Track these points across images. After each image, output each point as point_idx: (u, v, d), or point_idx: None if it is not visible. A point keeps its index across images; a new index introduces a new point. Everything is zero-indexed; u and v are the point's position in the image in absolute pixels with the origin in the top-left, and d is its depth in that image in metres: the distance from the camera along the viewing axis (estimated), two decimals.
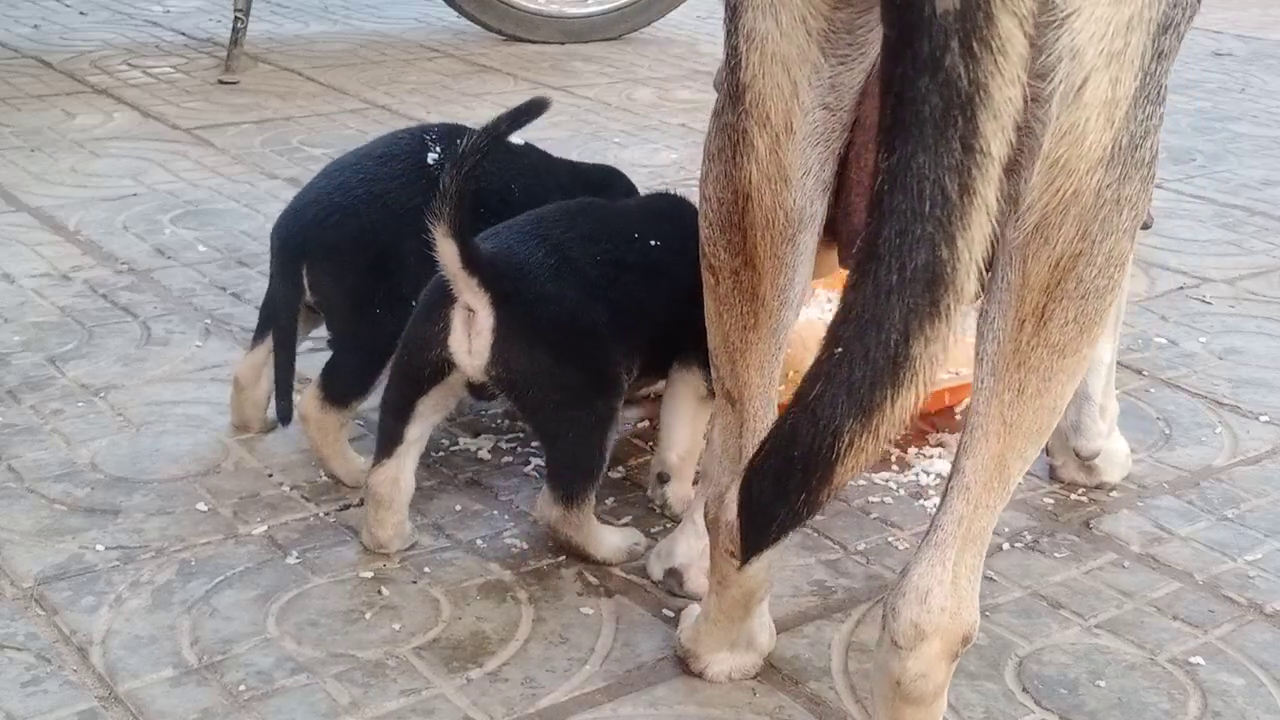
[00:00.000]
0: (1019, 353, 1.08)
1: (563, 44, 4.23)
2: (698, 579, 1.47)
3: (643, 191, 1.91)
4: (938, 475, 1.74)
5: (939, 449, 1.81)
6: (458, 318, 1.47)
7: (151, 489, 1.68)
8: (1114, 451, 1.74)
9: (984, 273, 0.96)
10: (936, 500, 1.52)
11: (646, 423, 1.86)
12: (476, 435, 1.82)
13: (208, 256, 2.41)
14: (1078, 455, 1.72)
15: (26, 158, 2.96)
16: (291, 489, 1.69)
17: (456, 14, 4.23)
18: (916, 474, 1.77)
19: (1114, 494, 1.74)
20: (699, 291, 1.24)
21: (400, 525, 1.55)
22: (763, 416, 1.23)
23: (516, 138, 1.87)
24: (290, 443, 1.77)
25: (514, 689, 1.34)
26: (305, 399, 1.70)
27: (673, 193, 1.75)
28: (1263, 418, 1.95)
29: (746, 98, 1.09)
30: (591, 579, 1.53)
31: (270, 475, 1.72)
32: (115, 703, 1.30)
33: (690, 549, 1.49)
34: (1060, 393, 1.11)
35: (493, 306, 1.46)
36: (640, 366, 1.57)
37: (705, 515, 1.32)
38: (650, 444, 1.79)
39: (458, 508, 1.65)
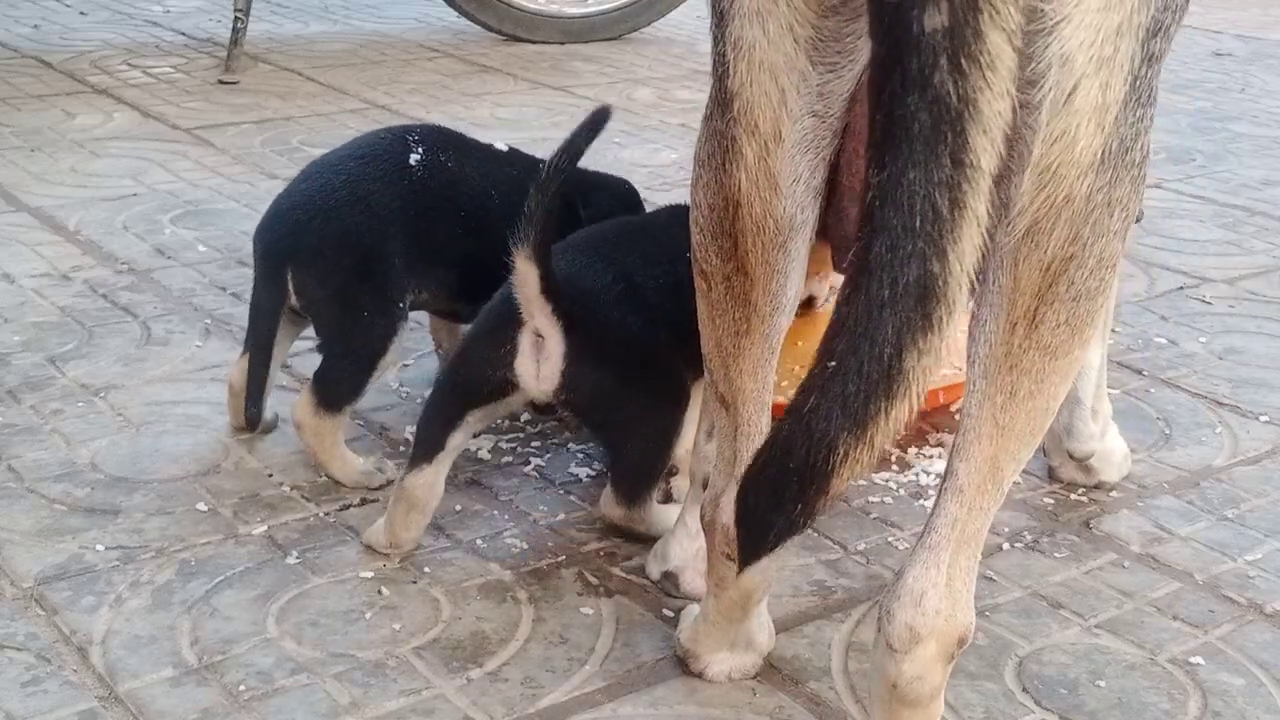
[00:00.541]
0: (1011, 355, 1.08)
1: (563, 44, 4.23)
2: (693, 580, 1.48)
3: (641, 192, 1.90)
4: (937, 475, 1.74)
5: (939, 449, 1.81)
6: (526, 341, 1.47)
7: (151, 489, 1.68)
8: (1111, 451, 1.75)
9: (975, 281, 0.96)
10: None
11: None
12: (476, 435, 1.82)
13: (208, 256, 2.41)
14: (1070, 457, 1.73)
15: (26, 158, 2.96)
16: (291, 489, 1.69)
17: (456, 14, 4.23)
18: (916, 474, 1.77)
19: (1114, 494, 1.74)
20: None
21: (423, 526, 1.56)
22: (756, 421, 1.23)
23: (500, 144, 1.87)
24: (290, 443, 1.77)
25: (514, 689, 1.34)
26: (298, 406, 1.70)
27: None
28: (1263, 418, 1.95)
29: (735, 105, 1.09)
30: (591, 579, 1.53)
31: (270, 475, 1.72)
32: (115, 703, 1.31)
33: (683, 551, 1.49)
34: (1053, 394, 1.11)
35: (564, 333, 1.46)
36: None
37: (701, 518, 1.32)
38: None
39: (458, 508, 1.65)
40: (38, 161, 2.93)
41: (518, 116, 3.42)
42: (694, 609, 1.41)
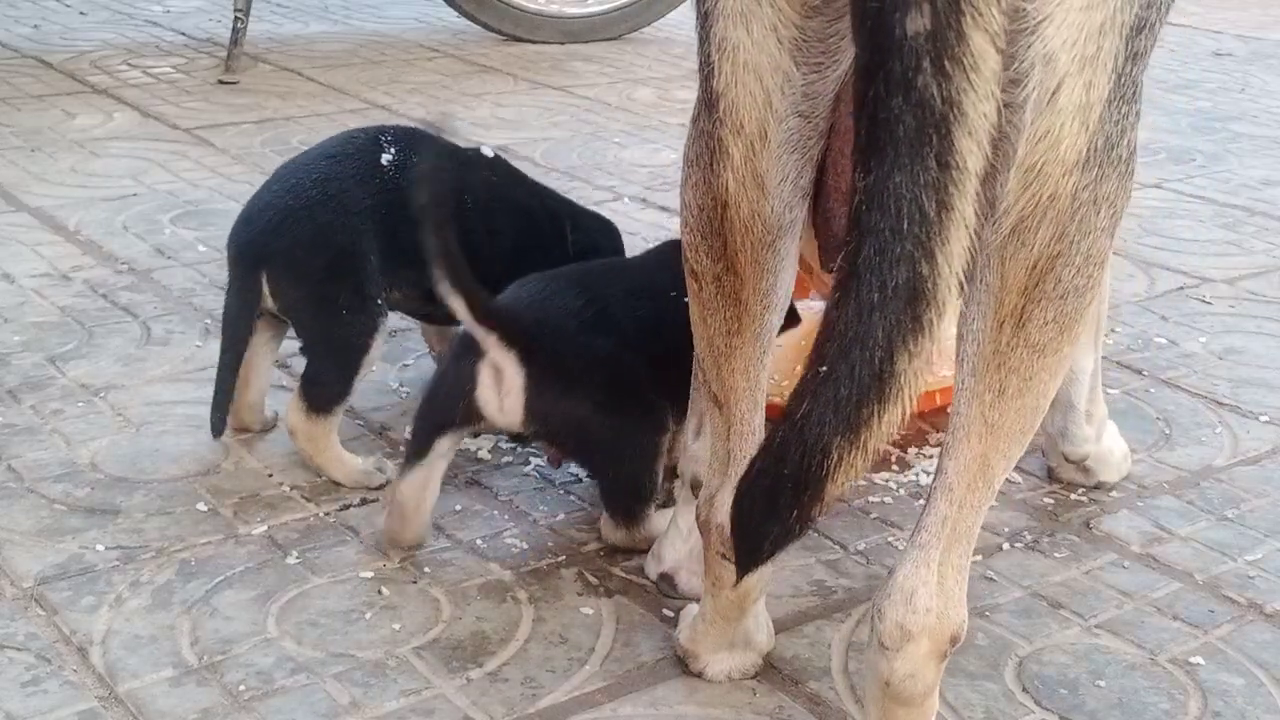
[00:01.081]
0: (999, 354, 1.08)
1: (563, 44, 4.23)
2: (689, 581, 1.48)
3: (641, 192, 1.91)
4: None
5: (939, 449, 1.81)
6: (485, 374, 1.46)
7: (151, 489, 1.68)
8: (1109, 452, 1.75)
9: (963, 280, 0.97)
10: None
11: None
12: (476, 435, 1.82)
13: (208, 256, 2.41)
14: (1067, 459, 1.73)
15: (26, 158, 2.96)
16: (291, 489, 1.69)
17: (456, 14, 4.23)
18: (916, 474, 1.77)
19: (1114, 494, 1.74)
20: None
21: (423, 526, 1.56)
22: (749, 420, 1.23)
23: (487, 149, 1.88)
24: (290, 442, 1.77)
25: (514, 689, 1.34)
26: (289, 412, 1.70)
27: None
28: (1263, 418, 1.95)
29: (720, 106, 1.10)
30: (591, 579, 1.53)
31: (270, 475, 1.72)
32: (115, 703, 1.31)
33: (677, 551, 1.49)
34: (1042, 392, 1.11)
35: (522, 364, 1.45)
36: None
37: (697, 517, 1.32)
38: None
39: (458, 508, 1.65)
40: (38, 161, 2.93)
41: (518, 116, 3.42)
42: (693, 609, 1.41)
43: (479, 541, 1.60)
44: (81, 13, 4.56)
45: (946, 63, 0.90)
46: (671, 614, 1.46)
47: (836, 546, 1.61)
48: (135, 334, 2.11)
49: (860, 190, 0.93)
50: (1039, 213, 1.03)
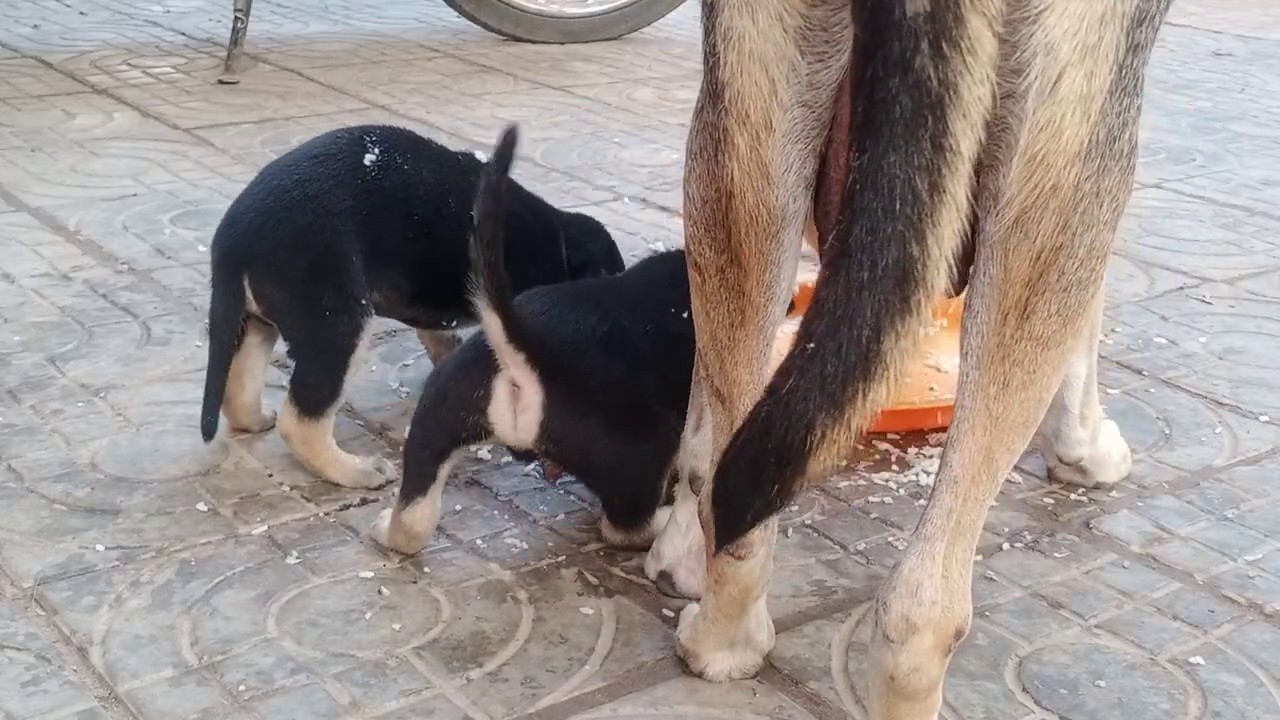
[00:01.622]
0: (1003, 346, 1.09)
1: (563, 44, 4.23)
2: (687, 579, 1.48)
3: (641, 192, 1.91)
4: None
5: (939, 449, 1.81)
6: (501, 390, 1.45)
7: (151, 489, 1.68)
8: (1107, 453, 1.75)
9: (955, 269, 0.97)
10: None
11: None
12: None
13: (207, 256, 2.39)
14: (1062, 461, 1.73)
15: (26, 158, 2.96)
16: (291, 489, 1.69)
17: (456, 14, 4.23)
18: (916, 474, 1.77)
19: (1114, 494, 1.74)
20: None
21: (427, 538, 1.55)
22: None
23: (480, 154, 1.88)
24: None
25: (514, 689, 1.34)
26: (282, 417, 1.69)
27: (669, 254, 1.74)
28: (1263, 418, 1.95)
29: (725, 95, 1.10)
30: (591, 579, 1.53)
31: (270, 475, 1.72)
32: (115, 703, 1.31)
33: (675, 549, 1.49)
34: (1046, 385, 1.11)
35: (542, 383, 1.45)
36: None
37: (699, 514, 1.32)
38: None
39: (458, 508, 1.65)
40: (38, 161, 2.93)
41: (518, 116, 3.42)
42: (693, 608, 1.41)
43: (479, 541, 1.60)
44: (81, 13, 4.56)
45: (944, 45, 0.91)
46: (671, 614, 1.46)
47: (836, 546, 1.61)
48: (135, 334, 2.11)
49: (854, 170, 0.93)
50: (1041, 203, 1.03)
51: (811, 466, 0.97)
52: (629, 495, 1.53)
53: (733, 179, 1.12)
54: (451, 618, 1.45)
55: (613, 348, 1.50)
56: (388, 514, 1.57)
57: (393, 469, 1.70)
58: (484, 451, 1.78)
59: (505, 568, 1.55)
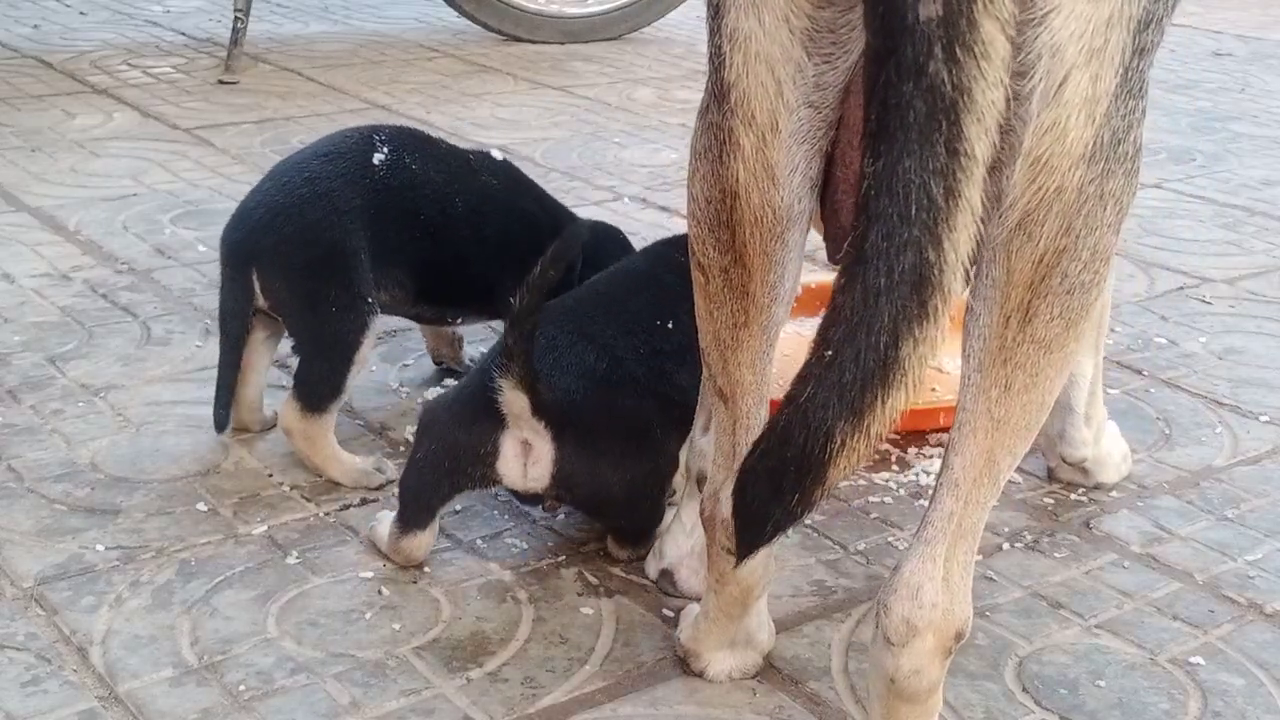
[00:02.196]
0: (1005, 349, 1.08)
1: (563, 44, 4.23)
2: (688, 579, 1.48)
3: (641, 192, 1.91)
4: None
5: (939, 449, 1.81)
6: (510, 445, 1.45)
7: (151, 489, 1.68)
8: (1109, 453, 1.75)
9: (969, 272, 0.97)
10: None
11: None
12: None
13: (208, 256, 2.41)
14: (1065, 461, 1.73)
15: (26, 158, 2.96)
16: (291, 489, 1.69)
17: (456, 14, 4.23)
18: (916, 474, 1.77)
19: (1114, 494, 1.74)
20: None
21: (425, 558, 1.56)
22: (755, 414, 1.23)
23: (496, 153, 1.88)
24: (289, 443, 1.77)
25: (514, 689, 1.34)
26: (284, 413, 1.70)
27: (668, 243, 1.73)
28: (1263, 418, 1.95)
29: (731, 97, 1.10)
30: (591, 579, 1.53)
31: (270, 475, 1.72)
32: (115, 703, 1.31)
33: (678, 548, 1.49)
34: (1048, 388, 1.11)
35: (553, 441, 1.45)
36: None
37: (701, 513, 1.32)
38: None
39: (458, 508, 1.65)
40: (38, 161, 2.93)
41: (518, 116, 3.42)
42: (694, 608, 1.41)
43: (479, 541, 1.60)
44: (81, 13, 4.56)
45: (958, 49, 0.90)
46: (672, 614, 1.46)
47: (836, 546, 1.61)
48: (135, 334, 2.11)
49: (869, 175, 0.93)
50: (1045, 206, 1.03)
51: (832, 475, 0.96)
52: (635, 523, 1.54)
53: (738, 180, 1.12)
54: (451, 618, 1.45)
55: (614, 383, 1.49)
56: (383, 516, 1.57)
57: (393, 469, 1.71)
58: None
59: (505, 568, 1.55)
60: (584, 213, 2.02)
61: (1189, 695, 1.37)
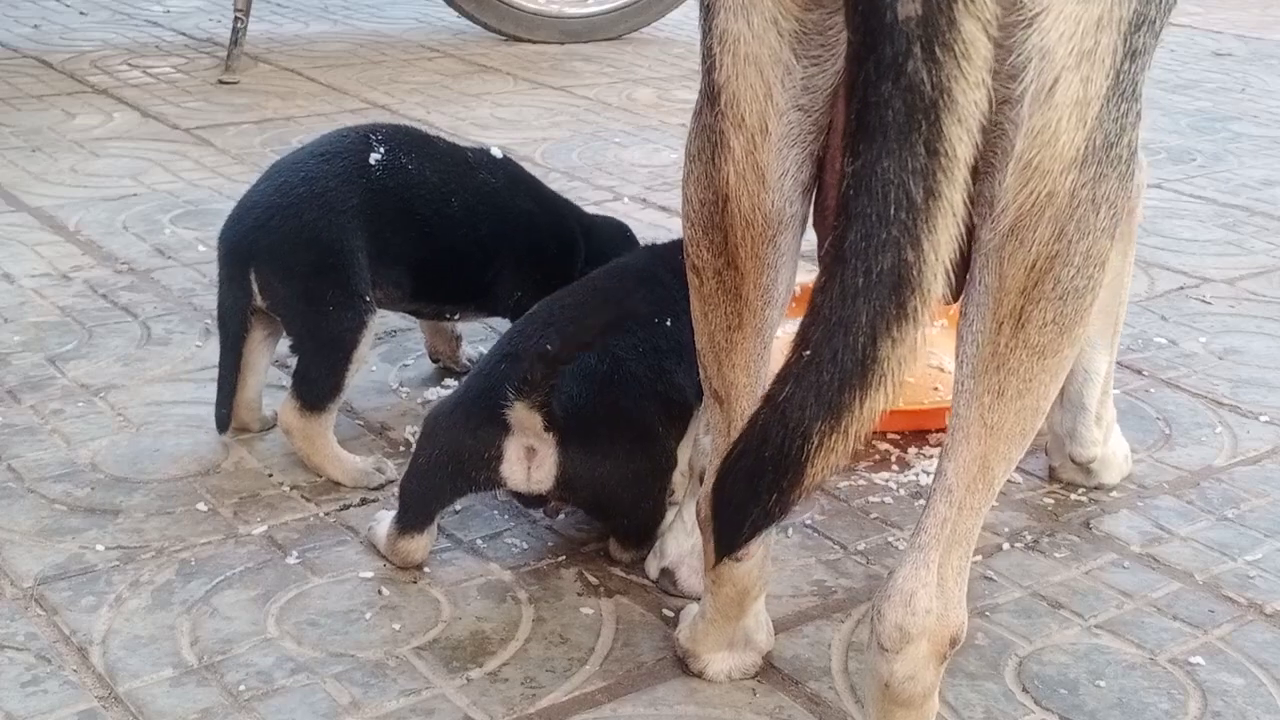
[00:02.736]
0: (998, 355, 1.08)
1: (563, 44, 4.23)
2: (689, 578, 1.48)
3: (641, 192, 1.91)
4: None
5: (940, 449, 1.81)
6: (513, 450, 1.46)
7: (151, 489, 1.68)
8: (1112, 454, 1.75)
9: (952, 275, 0.97)
10: None
11: None
12: None
13: (208, 256, 2.41)
14: (1073, 461, 1.73)
15: (26, 158, 2.96)
16: (291, 489, 1.69)
17: (456, 14, 4.23)
18: (916, 474, 1.77)
19: (1114, 494, 1.74)
20: None
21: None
22: (749, 415, 1.23)
23: (496, 150, 1.88)
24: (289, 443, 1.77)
25: (514, 689, 1.34)
26: (283, 411, 1.70)
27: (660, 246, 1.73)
28: (1263, 418, 1.95)
29: (722, 99, 1.10)
30: (591, 579, 1.53)
31: (270, 475, 1.72)
32: (115, 703, 1.31)
33: (679, 547, 1.49)
34: (1042, 394, 1.10)
35: (558, 445, 1.45)
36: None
37: (697, 514, 1.32)
38: None
39: (458, 508, 1.65)
40: (38, 161, 2.93)
41: (518, 116, 3.42)
42: (693, 608, 1.41)
43: (479, 541, 1.60)
44: (81, 13, 4.56)
45: (937, 49, 0.90)
46: (671, 614, 1.46)
47: (836, 546, 1.61)
48: (135, 334, 2.11)
49: (848, 175, 0.93)
50: (1037, 211, 1.02)
51: (809, 475, 0.96)
52: (637, 521, 1.54)
53: (729, 182, 1.12)
54: (451, 618, 1.45)
55: (616, 383, 1.49)
56: (382, 517, 1.57)
57: (393, 469, 1.71)
58: None
59: (505, 568, 1.55)
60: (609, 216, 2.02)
61: (1189, 695, 1.37)
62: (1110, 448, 1.74)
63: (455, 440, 1.48)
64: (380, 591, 1.49)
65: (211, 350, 2.04)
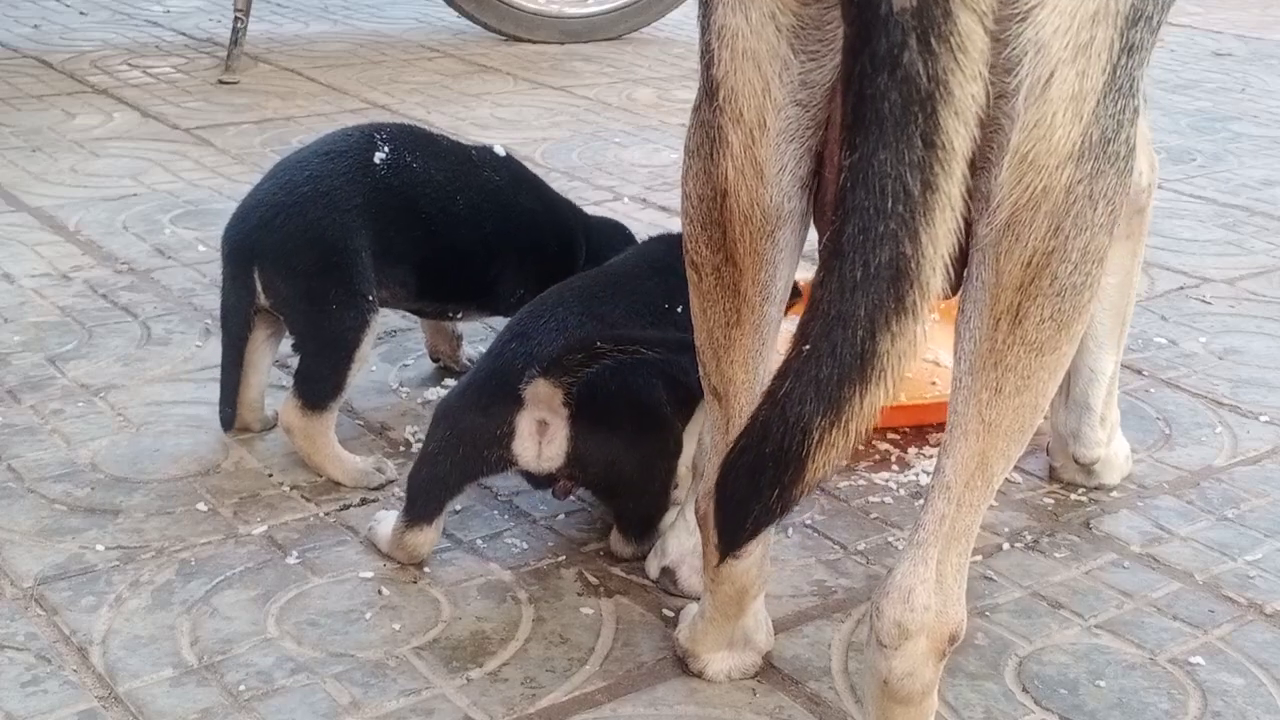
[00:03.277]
0: (995, 351, 1.08)
1: (563, 44, 4.23)
2: (689, 577, 1.48)
3: (641, 192, 1.91)
4: None
5: (939, 449, 1.81)
6: (525, 426, 1.46)
7: (151, 489, 1.68)
8: (1114, 455, 1.74)
9: (951, 270, 0.96)
10: None
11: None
12: None
13: (208, 256, 2.41)
14: (1076, 461, 1.73)
15: (26, 158, 2.96)
16: (291, 489, 1.69)
17: (456, 14, 4.23)
18: (916, 474, 1.77)
19: (1114, 494, 1.74)
20: None
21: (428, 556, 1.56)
22: (748, 412, 1.23)
23: (499, 149, 1.88)
24: (290, 442, 1.77)
25: (514, 689, 1.34)
26: (285, 410, 1.70)
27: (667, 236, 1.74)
28: (1263, 418, 1.95)
29: (720, 94, 1.10)
30: (591, 579, 1.53)
31: (270, 475, 1.72)
32: (115, 703, 1.31)
33: (681, 546, 1.49)
34: (1041, 391, 1.10)
35: (569, 420, 1.45)
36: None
37: (696, 511, 1.32)
38: None
39: (458, 508, 1.65)
40: (38, 161, 2.93)
41: (518, 116, 3.42)
42: (693, 608, 1.41)
43: (479, 541, 1.60)
44: (81, 13, 4.56)
45: (933, 40, 0.90)
46: (671, 614, 1.46)
47: (836, 546, 1.61)
48: (135, 334, 2.11)
49: (846, 169, 0.93)
50: (1033, 206, 1.02)
51: (810, 471, 0.96)
52: (645, 507, 1.54)
53: (727, 177, 1.12)
54: (451, 618, 1.45)
55: (627, 364, 1.50)
56: (383, 517, 1.57)
57: (393, 469, 1.71)
58: None
59: (505, 568, 1.55)
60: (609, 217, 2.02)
61: (1189, 695, 1.37)
62: (1112, 448, 1.74)
63: (466, 420, 1.48)
64: (380, 591, 1.49)
65: (211, 350, 2.04)
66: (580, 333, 1.46)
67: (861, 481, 1.75)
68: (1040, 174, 1.01)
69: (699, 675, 1.36)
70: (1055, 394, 1.68)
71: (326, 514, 1.64)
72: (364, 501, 1.67)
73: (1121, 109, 1.02)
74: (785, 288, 1.19)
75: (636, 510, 1.54)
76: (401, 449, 1.79)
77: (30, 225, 2.55)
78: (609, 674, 1.37)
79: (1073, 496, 1.73)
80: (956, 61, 0.91)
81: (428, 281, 1.78)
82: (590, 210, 2.01)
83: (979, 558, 1.57)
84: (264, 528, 1.60)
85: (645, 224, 2.60)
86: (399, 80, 3.75)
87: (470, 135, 3.17)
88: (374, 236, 1.69)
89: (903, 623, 1.12)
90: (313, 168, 1.70)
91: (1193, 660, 1.42)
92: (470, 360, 1.98)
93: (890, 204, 0.92)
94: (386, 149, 1.74)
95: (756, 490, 0.98)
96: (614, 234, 1.92)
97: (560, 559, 1.56)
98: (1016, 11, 0.95)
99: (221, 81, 3.64)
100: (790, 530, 1.63)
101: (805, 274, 1.25)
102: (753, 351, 1.20)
